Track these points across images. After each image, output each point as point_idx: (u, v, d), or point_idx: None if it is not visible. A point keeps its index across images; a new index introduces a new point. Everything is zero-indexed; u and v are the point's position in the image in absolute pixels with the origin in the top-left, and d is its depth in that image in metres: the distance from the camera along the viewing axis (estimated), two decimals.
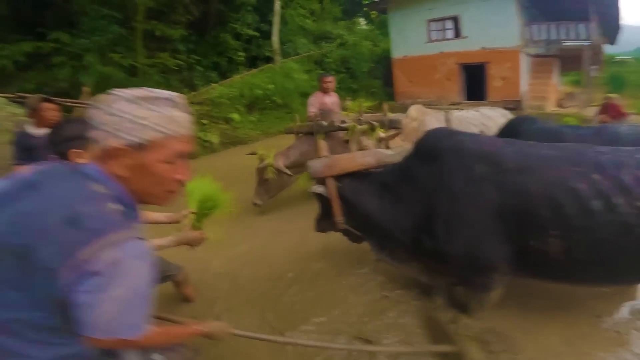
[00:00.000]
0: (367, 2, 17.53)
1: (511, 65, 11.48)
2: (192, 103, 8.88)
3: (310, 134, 3.67)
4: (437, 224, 1.55)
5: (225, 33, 11.90)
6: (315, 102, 4.20)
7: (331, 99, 4.34)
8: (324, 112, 3.74)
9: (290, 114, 10.24)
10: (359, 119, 3.47)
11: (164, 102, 0.83)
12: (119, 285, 0.72)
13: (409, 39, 13.41)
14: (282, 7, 13.46)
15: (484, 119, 3.23)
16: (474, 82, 12.30)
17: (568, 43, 11.32)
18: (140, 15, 9.22)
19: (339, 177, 1.85)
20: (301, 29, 15.19)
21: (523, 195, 1.40)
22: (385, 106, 3.85)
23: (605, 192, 1.32)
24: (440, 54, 12.72)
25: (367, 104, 4.03)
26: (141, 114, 0.78)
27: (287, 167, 3.45)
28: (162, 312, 1.41)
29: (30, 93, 5.38)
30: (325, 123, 3.51)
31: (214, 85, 10.12)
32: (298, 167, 3.43)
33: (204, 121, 8.61)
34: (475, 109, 3.56)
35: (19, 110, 5.10)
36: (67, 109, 6.30)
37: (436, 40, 12.95)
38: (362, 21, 20.73)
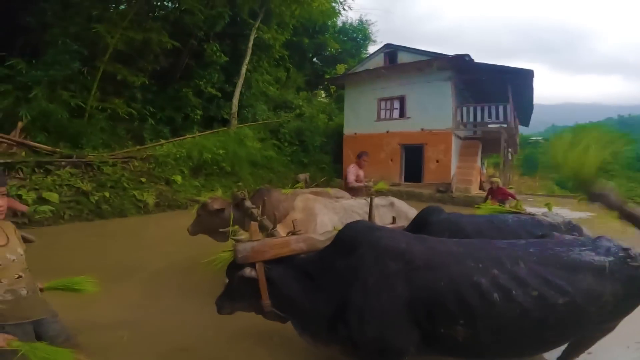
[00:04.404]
0: (328, 76, 18.57)
1: (444, 148, 12.22)
2: (132, 158, 8.70)
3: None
4: (352, 313, 1.65)
5: (188, 88, 12.00)
6: (355, 172, 5.03)
7: (362, 173, 5.16)
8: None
9: (238, 183, 10.28)
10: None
11: None
12: None
13: (361, 116, 14.32)
14: (249, 71, 13.93)
15: (368, 208, 3.45)
16: (413, 164, 13.07)
17: (491, 125, 12.26)
18: (107, 55, 9.21)
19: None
20: (263, 95, 15.78)
21: (432, 291, 1.58)
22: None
23: (504, 285, 1.54)
24: (386, 134, 13.60)
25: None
26: None
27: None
28: None
29: None
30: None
31: (162, 141, 10.04)
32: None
33: (143, 179, 8.36)
34: (363, 198, 3.77)
35: None
36: None
37: (384, 119, 13.88)
38: (323, 93, 21.97)
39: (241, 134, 12.25)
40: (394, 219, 2.77)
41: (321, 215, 3.37)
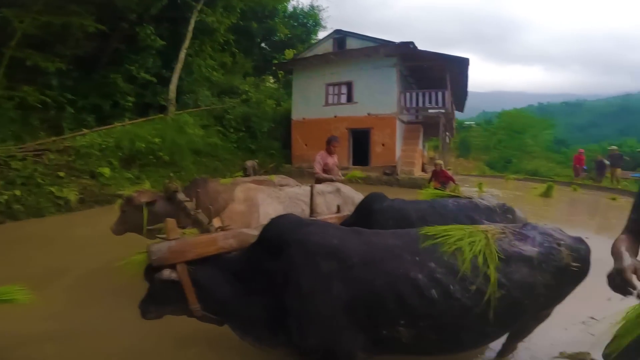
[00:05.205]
0: (276, 61, 18.42)
1: (390, 132, 12.63)
2: (46, 150, 7.60)
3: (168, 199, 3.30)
4: (289, 319, 1.52)
5: (117, 74, 10.93)
6: (321, 161, 4.72)
7: (333, 160, 4.83)
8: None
9: (178, 173, 9.52)
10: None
11: None
12: None
13: (309, 102, 14.29)
14: (190, 56, 13.18)
15: (315, 196, 3.32)
16: (360, 148, 13.40)
17: (431, 110, 12.79)
18: (14, 41, 8.03)
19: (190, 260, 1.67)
20: (207, 80, 14.92)
21: (370, 290, 1.45)
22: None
23: (442, 280, 1.44)
24: (335, 118, 13.75)
25: None
26: None
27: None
28: None
29: None
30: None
31: (85, 131, 8.89)
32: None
33: (61, 174, 7.34)
34: (309, 185, 3.63)
35: None
36: None
37: (332, 104, 14.02)
38: (271, 79, 21.45)
39: (181, 120, 11.42)
40: (338, 207, 2.65)
41: (264, 205, 3.14)
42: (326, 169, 4.73)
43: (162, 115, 11.44)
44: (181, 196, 3.09)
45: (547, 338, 2.17)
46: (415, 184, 10.22)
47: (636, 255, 1.26)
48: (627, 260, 1.14)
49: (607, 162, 13.66)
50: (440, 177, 6.80)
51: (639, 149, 23.42)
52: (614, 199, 9.48)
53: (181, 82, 12.67)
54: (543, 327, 1.90)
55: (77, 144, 8.15)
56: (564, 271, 1.56)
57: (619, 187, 11.57)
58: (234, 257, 1.79)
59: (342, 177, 4.81)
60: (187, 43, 12.27)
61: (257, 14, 18.72)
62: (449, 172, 7.07)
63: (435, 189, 6.08)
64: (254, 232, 1.82)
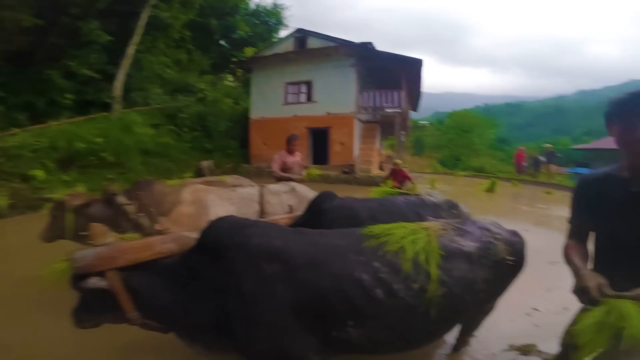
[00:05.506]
0: (235, 59, 17.91)
1: (348, 131, 12.74)
2: None
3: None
4: (235, 325, 1.45)
5: (53, 70, 10.02)
6: (279, 160, 4.58)
7: (294, 159, 4.70)
8: None
9: (125, 175, 8.89)
10: None
11: None
12: None
13: (268, 100, 14.07)
14: (141, 52, 12.53)
15: (269, 196, 3.25)
16: (319, 147, 13.43)
17: (387, 110, 13.02)
18: None
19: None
20: (159, 77, 14.21)
21: (316, 292, 1.42)
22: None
23: (386, 279, 1.42)
24: (294, 117, 13.65)
25: None
26: None
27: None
28: None
29: None
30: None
31: (15, 130, 7.99)
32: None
33: None
34: (262, 185, 3.53)
35: None
36: None
37: (291, 103, 13.92)
38: (230, 77, 20.75)
39: (127, 119, 10.70)
40: (290, 207, 2.60)
41: (215, 207, 3.00)
42: (285, 168, 4.65)
43: (105, 113, 10.65)
44: (121, 199, 2.86)
45: (496, 331, 2.26)
46: (373, 182, 10.46)
47: (587, 259, 1.31)
48: (588, 277, 1.15)
49: (542, 159, 15.01)
50: (399, 176, 6.96)
51: (571, 146, 25.99)
52: (549, 192, 10.42)
53: (130, 79, 11.96)
54: (492, 320, 1.97)
55: (6, 145, 7.34)
56: (500, 265, 1.61)
57: (554, 181, 12.74)
58: (173, 262, 1.69)
59: (302, 176, 4.75)
60: (137, 39, 11.66)
61: (217, 10, 18.22)
62: (407, 171, 7.27)
63: (394, 187, 6.21)
64: (196, 236, 1.72)
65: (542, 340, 2.20)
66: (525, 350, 2.14)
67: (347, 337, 1.46)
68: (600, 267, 1.31)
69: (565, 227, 1.46)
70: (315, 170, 5.05)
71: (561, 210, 8.04)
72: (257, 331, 1.44)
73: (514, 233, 1.77)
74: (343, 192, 3.43)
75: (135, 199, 2.90)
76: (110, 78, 11.38)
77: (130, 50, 11.50)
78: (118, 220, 2.84)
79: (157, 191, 3.14)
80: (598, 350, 1.06)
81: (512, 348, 2.17)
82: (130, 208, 2.73)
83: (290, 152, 4.78)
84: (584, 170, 20.89)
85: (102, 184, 3.17)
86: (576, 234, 1.40)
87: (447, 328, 1.69)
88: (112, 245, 1.57)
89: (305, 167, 10.61)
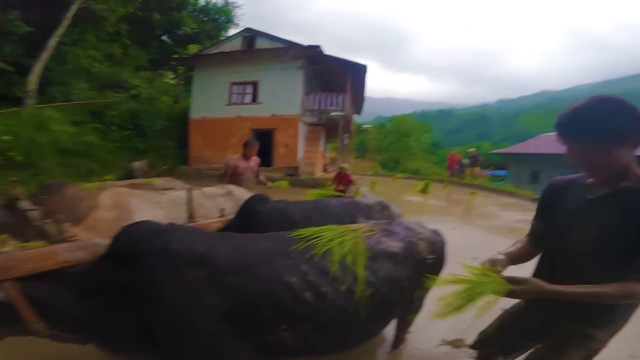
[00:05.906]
0: (176, 56, 16.88)
1: (292, 133, 12.73)
2: None
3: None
4: (160, 335, 1.35)
5: None
6: (231, 164, 4.41)
7: (246, 164, 4.51)
8: None
9: (37, 177, 7.80)
10: None
11: None
12: None
13: (211, 100, 13.50)
14: (66, 44, 11.43)
15: (203, 199, 3.11)
16: (264, 148, 13.24)
17: (332, 113, 13.21)
18: None
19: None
20: (85, 71, 12.93)
21: (245, 297, 1.38)
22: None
23: (314, 282, 1.42)
24: (238, 118, 13.28)
25: None
26: None
27: None
28: None
29: None
30: None
31: None
32: None
33: None
34: (196, 188, 3.37)
35: None
36: None
37: (235, 104, 13.53)
38: (170, 74, 19.42)
39: (42, 115, 9.51)
40: (221, 211, 2.51)
41: (141, 211, 2.75)
42: (236, 173, 4.43)
43: (16, 109, 9.32)
44: (24, 204, 2.50)
45: (429, 327, 2.38)
46: (317, 184, 10.58)
47: (522, 255, 1.39)
48: (496, 255, 1.27)
49: (466, 162, 16.55)
50: (344, 180, 7.06)
51: (492, 151, 29.04)
52: (473, 193, 11.51)
53: (49, 72, 10.83)
54: (425, 317, 2.03)
55: None
56: (422, 263, 1.70)
57: (477, 183, 14.10)
58: (81, 271, 1.55)
59: (267, 184, 4.66)
60: (61, 30, 10.66)
61: (163, 5, 17.13)
62: (351, 176, 7.40)
63: (338, 190, 6.28)
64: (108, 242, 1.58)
65: (469, 334, 2.38)
66: (455, 344, 2.29)
67: (281, 340, 1.45)
68: (541, 268, 1.39)
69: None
70: (285, 183, 4.97)
71: (483, 209, 8.93)
72: (185, 339, 1.38)
73: (435, 232, 1.88)
74: (286, 194, 3.39)
75: (41, 203, 2.56)
76: (24, 71, 10.14)
77: (52, 42, 10.44)
78: (21, 228, 2.50)
79: (69, 195, 2.81)
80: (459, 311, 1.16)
81: (444, 342, 2.32)
82: (35, 214, 2.40)
83: (247, 157, 4.57)
84: (502, 173, 23.57)
85: (4, 187, 2.74)
86: (530, 234, 1.46)
87: (380, 326, 1.73)
88: (7, 254, 1.41)
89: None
